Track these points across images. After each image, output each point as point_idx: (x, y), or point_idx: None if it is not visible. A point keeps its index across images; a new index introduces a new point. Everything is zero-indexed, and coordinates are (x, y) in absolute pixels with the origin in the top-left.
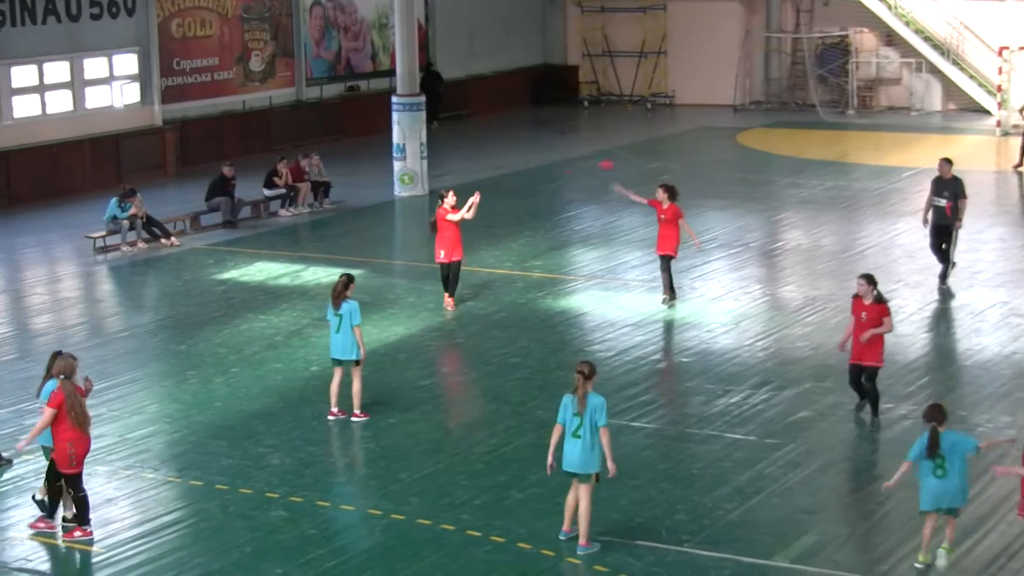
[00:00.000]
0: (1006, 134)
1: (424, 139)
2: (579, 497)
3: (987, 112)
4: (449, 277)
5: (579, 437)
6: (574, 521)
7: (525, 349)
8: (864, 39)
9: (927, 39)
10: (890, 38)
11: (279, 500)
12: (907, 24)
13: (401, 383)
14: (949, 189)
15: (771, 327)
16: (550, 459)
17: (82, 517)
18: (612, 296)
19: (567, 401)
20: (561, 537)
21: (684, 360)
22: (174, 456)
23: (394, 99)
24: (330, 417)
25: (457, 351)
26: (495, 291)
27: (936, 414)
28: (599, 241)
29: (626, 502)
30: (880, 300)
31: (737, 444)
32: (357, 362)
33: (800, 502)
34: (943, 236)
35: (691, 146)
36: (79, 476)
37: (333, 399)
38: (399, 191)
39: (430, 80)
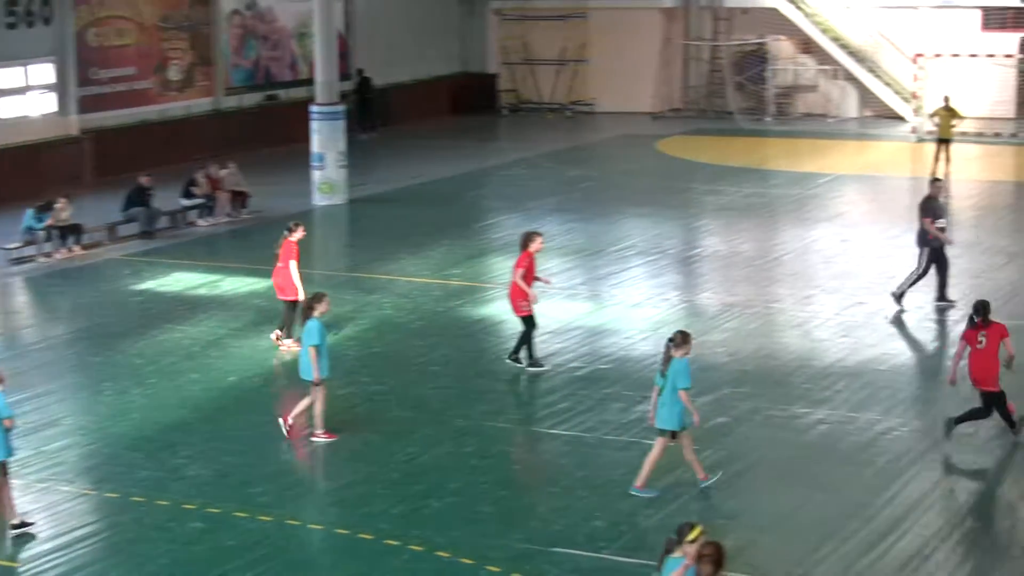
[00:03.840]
0: (921, 140)
1: (343, 148)
2: (655, 446)
3: (902, 118)
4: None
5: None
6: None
7: (444, 357)
8: (781, 47)
9: (843, 46)
10: (807, 45)
11: (196, 511)
12: (824, 32)
13: None
14: (943, 208)
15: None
16: (650, 412)
17: None
18: None
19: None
20: (701, 486)
21: (602, 367)
22: (89, 468)
23: (313, 108)
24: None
25: (376, 360)
26: (414, 300)
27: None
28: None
29: (544, 509)
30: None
31: None
32: (315, 383)
33: (718, 507)
34: (943, 254)
35: (611, 154)
36: None
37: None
38: (318, 200)
39: (362, 87)
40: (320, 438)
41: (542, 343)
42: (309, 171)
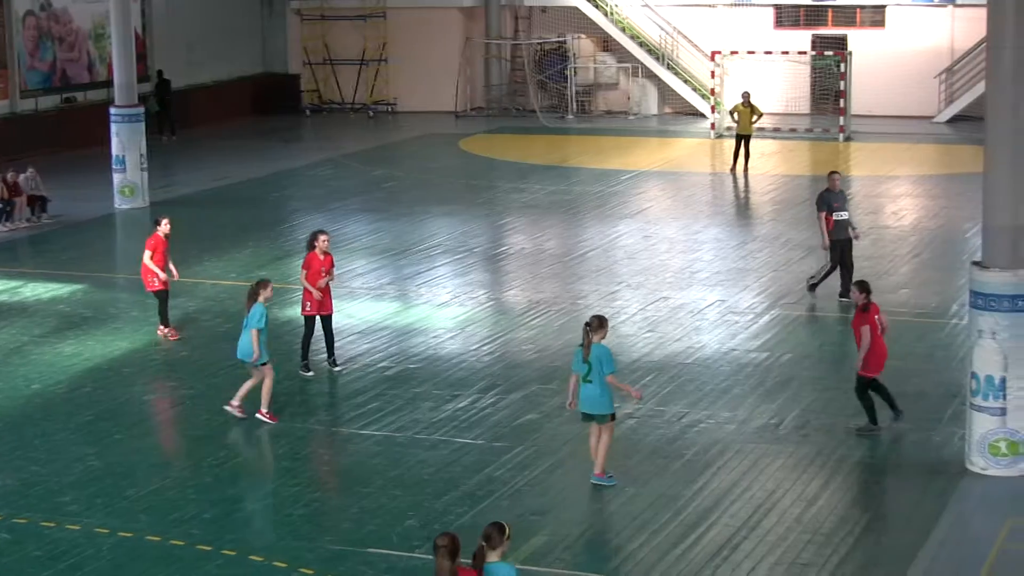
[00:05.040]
0: (720, 136)
1: (144, 150)
2: (601, 435)
3: (702, 115)
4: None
5: (589, 382)
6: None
7: None
8: (582, 45)
9: (642, 44)
10: (607, 44)
11: (2, 523)
12: (623, 30)
13: (127, 398)
14: (845, 200)
15: (496, 331)
16: (570, 399)
17: None
18: (337, 304)
19: (577, 352)
20: (592, 480)
21: (411, 366)
22: None
23: (112, 110)
24: (226, 407)
25: (183, 364)
26: (221, 303)
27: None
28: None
29: (356, 510)
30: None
31: (466, 448)
32: (261, 364)
33: (530, 503)
34: (848, 250)
35: (415, 153)
36: None
37: (239, 393)
38: (120, 203)
39: (161, 89)
40: (264, 417)
41: (349, 343)
42: (110, 174)
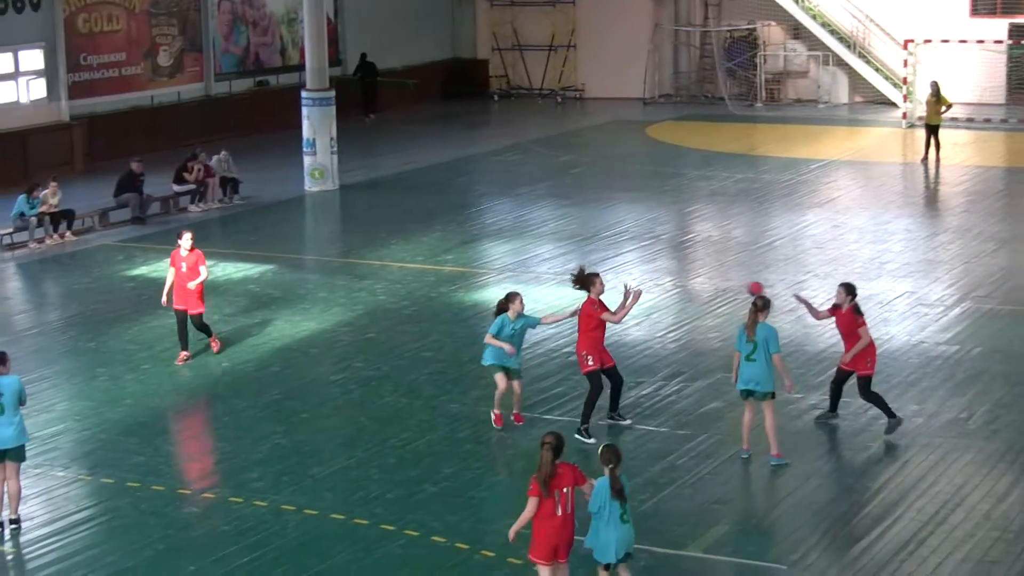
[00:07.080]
0: (911, 126)
1: (334, 133)
2: (764, 415)
3: (893, 104)
4: (183, 328)
5: (753, 360)
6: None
7: (437, 343)
8: (771, 32)
9: (833, 32)
10: (797, 31)
11: (191, 497)
12: (813, 17)
13: (313, 378)
14: None
15: (682, 319)
16: (734, 378)
17: None
18: (523, 289)
19: (740, 330)
20: (742, 456)
21: None
22: (85, 454)
23: (304, 94)
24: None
25: (369, 346)
26: (407, 286)
27: (611, 456)
28: (511, 234)
29: None
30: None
31: (649, 436)
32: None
33: (712, 492)
34: None
35: (601, 139)
36: None
37: (513, 404)
38: (309, 186)
39: (366, 71)
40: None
41: (535, 330)
42: (300, 157)
